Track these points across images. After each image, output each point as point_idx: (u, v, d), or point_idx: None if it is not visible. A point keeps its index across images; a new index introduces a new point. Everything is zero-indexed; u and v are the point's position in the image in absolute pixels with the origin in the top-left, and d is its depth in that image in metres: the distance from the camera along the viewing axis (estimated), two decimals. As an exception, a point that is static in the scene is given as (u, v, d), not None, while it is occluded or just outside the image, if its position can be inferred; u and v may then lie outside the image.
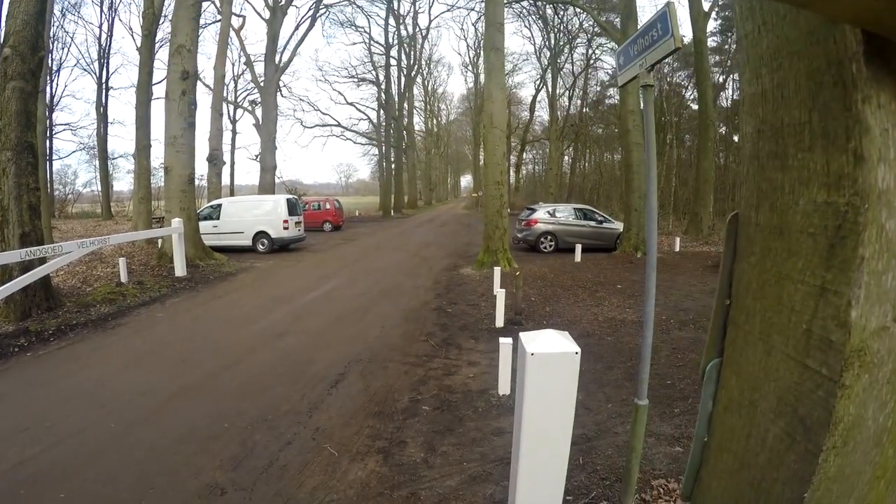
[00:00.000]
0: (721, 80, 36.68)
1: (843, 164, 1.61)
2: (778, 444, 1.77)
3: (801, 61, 1.77)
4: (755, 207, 1.97)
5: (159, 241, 17.29)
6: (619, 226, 21.12)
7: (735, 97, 37.56)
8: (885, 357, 1.51)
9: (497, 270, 11.91)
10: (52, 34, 35.76)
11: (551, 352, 2.75)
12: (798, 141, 1.76)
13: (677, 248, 20.49)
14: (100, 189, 47.62)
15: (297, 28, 42.65)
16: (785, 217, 1.80)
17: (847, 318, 1.50)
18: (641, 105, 21.04)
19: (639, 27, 3.79)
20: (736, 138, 37.46)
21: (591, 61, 47.19)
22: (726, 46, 36.90)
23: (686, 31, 25.62)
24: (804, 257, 1.70)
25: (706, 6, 27.46)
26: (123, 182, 67.86)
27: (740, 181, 2.17)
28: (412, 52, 56.98)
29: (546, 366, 2.75)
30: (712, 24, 32.90)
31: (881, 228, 1.48)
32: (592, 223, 21.25)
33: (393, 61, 54.45)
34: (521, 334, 2.97)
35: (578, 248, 18.72)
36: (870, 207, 1.46)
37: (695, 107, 35.88)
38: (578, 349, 2.78)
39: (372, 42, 55.24)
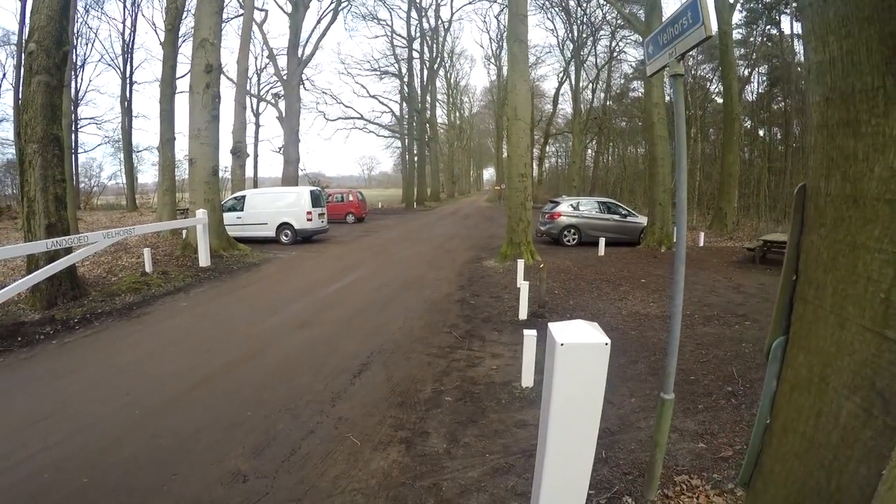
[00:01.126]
0: (746, 73, 36.15)
1: None
2: (852, 421, 1.66)
3: (873, 26, 1.69)
4: (825, 177, 1.86)
5: (184, 231, 17.42)
6: (642, 220, 20.96)
7: (760, 90, 37.10)
8: None
9: (521, 263, 11.87)
10: (76, 30, 36.14)
11: (581, 342, 2.71)
12: (871, 107, 1.67)
13: (701, 244, 20.28)
14: (124, 181, 48.11)
15: (319, 21, 43.02)
16: (859, 185, 1.68)
17: None
18: (668, 97, 20.79)
19: (664, 18, 3.73)
20: (761, 133, 37.05)
21: (615, 54, 46.94)
22: (752, 39, 36.42)
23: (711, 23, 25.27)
24: (881, 225, 1.59)
25: (732, -2, 27.09)
26: (148, 174, 68.40)
27: (807, 151, 2.08)
28: (434, 45, 56.92)
29: (575, 356, 2.71)
30: (737, 16, 32.40)
31: None
32: (616, 217, 21.11)
33: (415, 54, 54.47)
34: (550, 324, 2.93)
35: (602, 241, 18.58)
36: None
37: (719, 100, 35.48)
38: (608, 340, 2.74)
39: (394, 35, 55.36)
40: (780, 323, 2.12)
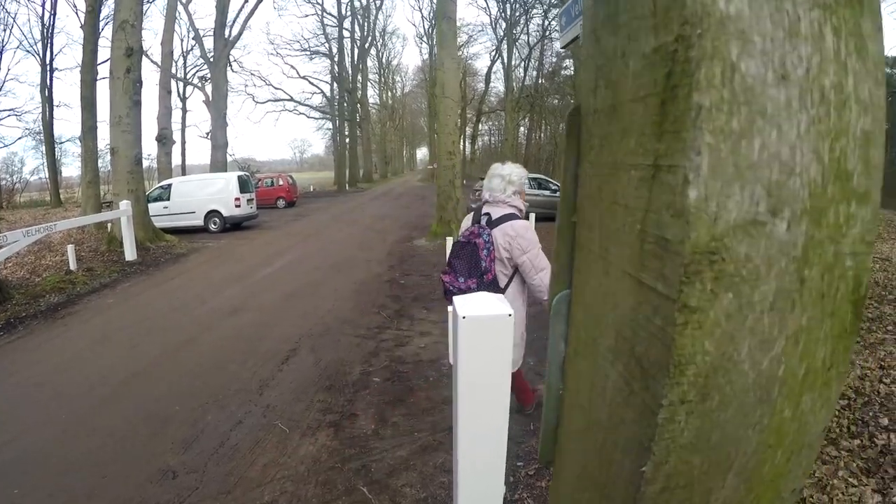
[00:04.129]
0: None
1: None
2: (616, 396, 1.24)
3: None
4: (593, 90, 1.41)
5: (109, 225, 16.95)
6: (573, 194, 21.21)
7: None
8: (762, 270, 0.93)
9: (450, 241, 11.95)
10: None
11: (483, 314, 2.74)
12: None
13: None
14: (47, 176, 46.25)
15: (246, 0, 41.66)
16: (618, 88, 1.24)
17: (684, 202, 0.91)
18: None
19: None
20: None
21: (547, 32, 47.17)
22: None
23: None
24: (636, 132, 1.12)
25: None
26: (72, 167, 65.76)
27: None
28: (366, 24, 56.52)
29: (478, 329, 2.74)
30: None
31: (729, 67, 0.88)
32: (546, 192, 21.38)
33: (346, 33, 53.85)
34: (455, 298, 2.97)
35: (532, 217, 18.74)
36: (705, 34, 0.89)
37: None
38: (512, 311, 2.77)
39: (324, 13, 54.56)
40: (563, 273, 1.69)
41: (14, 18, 50.73)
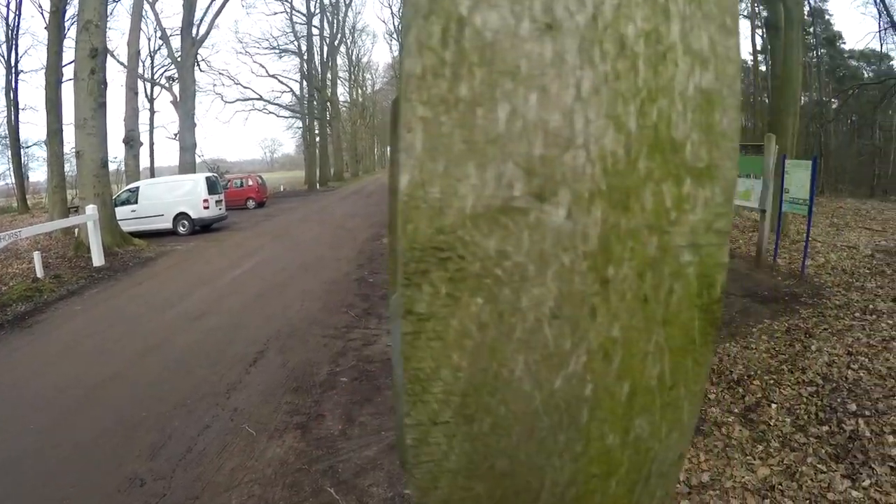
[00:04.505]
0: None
1: None
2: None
3: None
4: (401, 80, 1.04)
5: (76, 230, 16.73)
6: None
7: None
8: (530, 269, 0.74)
9: (419, 238, 12.00)
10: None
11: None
12: None
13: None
14: (14, 181, 45.20)
15: (214, -2, 40.73)
16: (403, 74, 0.86)
17: (399, 189, 0.76)
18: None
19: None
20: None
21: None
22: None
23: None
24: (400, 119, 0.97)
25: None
26: (40, 172, 64.03)
27: None
28: (335, 21, 55.97)
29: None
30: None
31: (456, 23, 0.68)
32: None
33: (315, 31, 53.24)
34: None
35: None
36: None
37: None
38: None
39: (293, 11, 53.85)
40: (397, 272, 1.18)
41: (-23, 20, 49.33)
